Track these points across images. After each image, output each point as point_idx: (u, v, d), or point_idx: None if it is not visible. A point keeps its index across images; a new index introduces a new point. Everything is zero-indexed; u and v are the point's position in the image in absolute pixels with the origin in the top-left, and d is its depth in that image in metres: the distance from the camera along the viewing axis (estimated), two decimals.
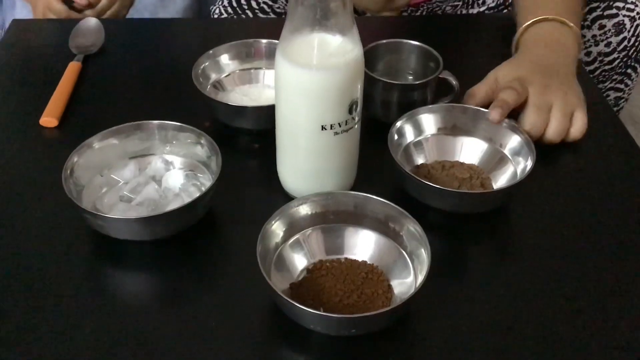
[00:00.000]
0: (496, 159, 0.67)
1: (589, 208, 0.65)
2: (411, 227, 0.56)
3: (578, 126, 0.71)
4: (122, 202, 0.61)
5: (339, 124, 0.58)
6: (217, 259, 0.60)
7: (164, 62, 0.85)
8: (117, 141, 0.64)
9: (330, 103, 0.57)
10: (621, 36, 0.93)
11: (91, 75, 0.81)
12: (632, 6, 0.93)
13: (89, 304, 0.55)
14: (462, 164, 0.68)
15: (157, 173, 0.65)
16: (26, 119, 0.74)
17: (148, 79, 0.83)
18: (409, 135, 0.68)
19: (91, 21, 0.88)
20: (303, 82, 0.56)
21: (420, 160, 0.69)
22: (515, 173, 0.65)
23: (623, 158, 0.71)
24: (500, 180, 0.66)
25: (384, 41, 0.75)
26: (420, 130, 0.69)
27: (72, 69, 0.80)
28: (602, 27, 0.93)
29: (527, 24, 0.78)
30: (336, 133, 0.58)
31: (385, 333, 0.52)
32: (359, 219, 0.59)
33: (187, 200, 0.60)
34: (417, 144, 0.69)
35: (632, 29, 0.92)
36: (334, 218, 0.59)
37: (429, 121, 0.69)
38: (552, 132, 0.70)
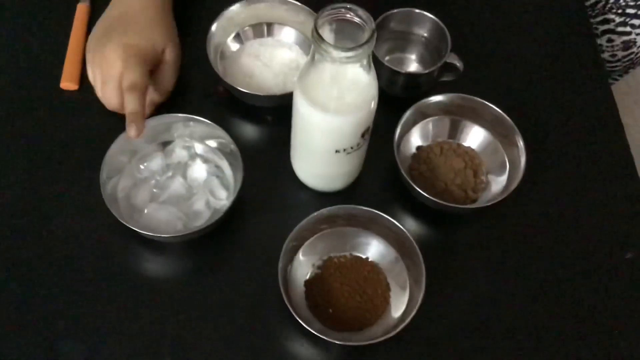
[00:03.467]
0: (492, 149, 0.73)
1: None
2: (408, 245, 0.64)
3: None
4: (153, 202, 0.67)
5: (351, 147, 0.63)
6: (240, 256, 0.69)
7: None
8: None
9: (344, 135, 0.62)
10: (629, 51, 0.92)
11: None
12: None
13: (118, 282, 0.66)
14: (459, 146, 0.74)
15: (181, 160, 0.70)
16: (46, 82, 0.76)
17: None
18: (413, 120, 0.73)
19: None
20: (319, 122, 0.60)
21: (422, 141, 0.74)
22: (507, 168, 0.71)
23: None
24: (494, 171, 0.72)
25: (395, 11, 0.75)
26: (425, 114, 0.73)
27: (81, 13, 0.80)
28: (610, 40, 0.91)
29: None
30: (348, 153, 0.64)
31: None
32: (366, 224, 0.67)
33: (210, 198, 0.68)
34: (421, 126, 0.74)
35: None
36: (343, 223, 0.67)
37: (433, 107, 0.73)
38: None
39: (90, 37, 0.73)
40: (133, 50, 0.68)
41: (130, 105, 0.64)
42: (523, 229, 0.71)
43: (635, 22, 0.91)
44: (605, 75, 0.82)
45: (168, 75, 0.72)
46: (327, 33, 0.56)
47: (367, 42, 0.54)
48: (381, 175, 0.74)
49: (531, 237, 0.71)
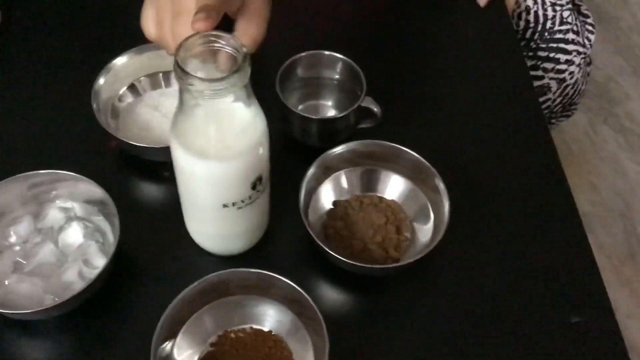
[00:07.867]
0: (415, 197, 0.65)
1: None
2: (311, 313, 0.54)
3: None
4: (15, 274, 0.57)
5: (241, 200, 0.54)
6: (123, 334, 0.58)
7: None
8: (14, 187, 0.60)
9: (229, 186, 0.53)
10: (545, 97, 0.86)
11: None
12: (563, 66, 0.83)
13: None
14: (381, 200, 0.66)
15: (55, 224, 0.61)
16: None
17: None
18: (323, 173, 0.65)
19: None
20: (199, 171, 0.51)
21: (339, 195, 0.66)
22: (431, 216, 0.63)
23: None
24: (419, 222, 0.64)
25: (303, 54, 0.68)
26: (338, 166, 0.65)
27: None
28: None
29: None
30: (239, 207, 0.55)
31: None
32: (264, 291, 0.57)
33: (84, 268, 0.58)
34: (336, 177, 0.66)
35: (559, 91, 0.84)
36: (238, 290, 0.57)
37: (347, 156, 0.65)
38: None
39: None
40: None
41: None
42: (452, 287, 0.62)
43: (547, 65, 0.84)
44: (540, 111, 0.74)
45: (254, 23, 0.56)
46: (199, 72, 0.47)
47: (238, 70, 0.46)
48: (293, 235, 0.65)
49: (462, 295, 0.62)
